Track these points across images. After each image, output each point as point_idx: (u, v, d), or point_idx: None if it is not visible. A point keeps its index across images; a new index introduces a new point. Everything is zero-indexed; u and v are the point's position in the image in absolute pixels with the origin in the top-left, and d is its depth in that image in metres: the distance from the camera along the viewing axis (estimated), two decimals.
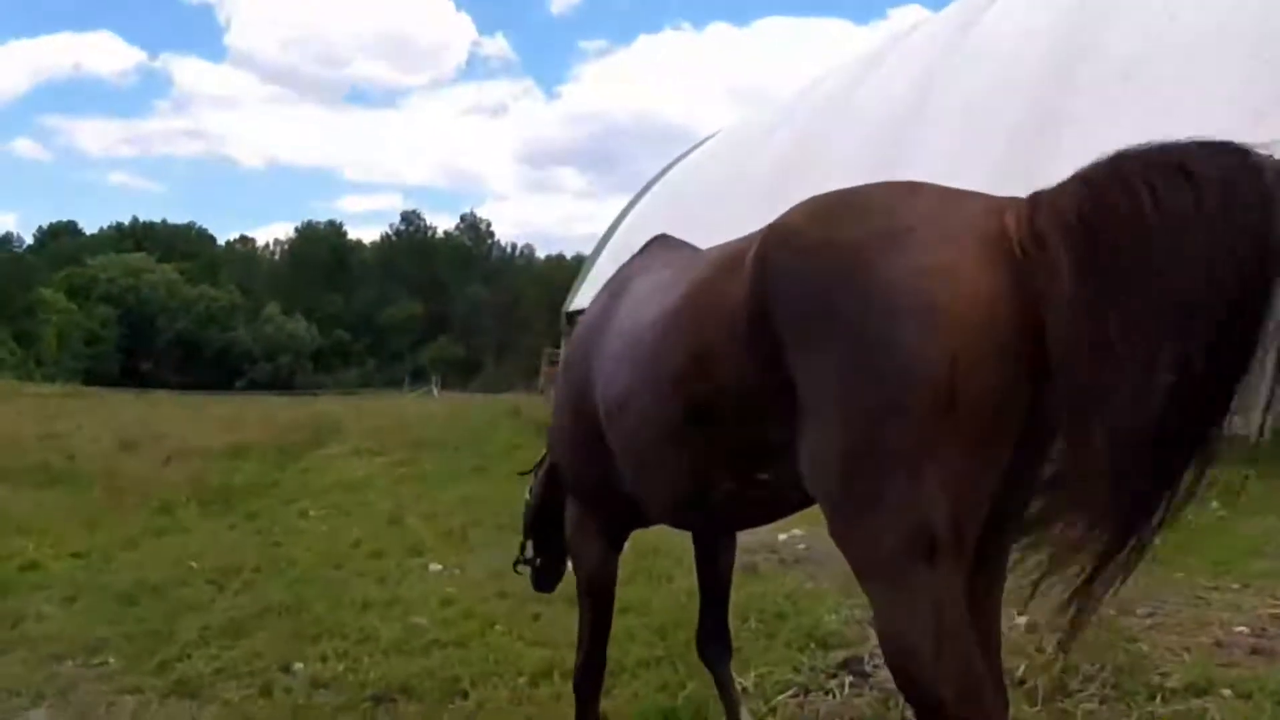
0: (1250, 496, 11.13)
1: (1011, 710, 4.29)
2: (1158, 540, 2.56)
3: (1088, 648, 5.87)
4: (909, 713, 4.90)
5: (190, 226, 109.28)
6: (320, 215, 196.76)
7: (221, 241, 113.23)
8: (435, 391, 59.81)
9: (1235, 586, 7.47)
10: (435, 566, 9.06)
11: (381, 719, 5.39)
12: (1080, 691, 5.23)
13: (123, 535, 11.15)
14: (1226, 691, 5.12)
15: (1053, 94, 19.98)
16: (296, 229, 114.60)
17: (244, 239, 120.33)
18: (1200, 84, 16.33)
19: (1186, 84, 16.64)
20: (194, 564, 9.52)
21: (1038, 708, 5.01)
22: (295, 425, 25.25)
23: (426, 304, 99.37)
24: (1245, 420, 9.82)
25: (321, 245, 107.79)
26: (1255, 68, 15.47)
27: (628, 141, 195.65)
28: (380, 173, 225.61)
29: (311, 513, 13.10)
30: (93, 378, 67.55)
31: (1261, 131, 11.37)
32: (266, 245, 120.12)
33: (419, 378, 70.49)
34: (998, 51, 22.62)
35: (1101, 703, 5.10)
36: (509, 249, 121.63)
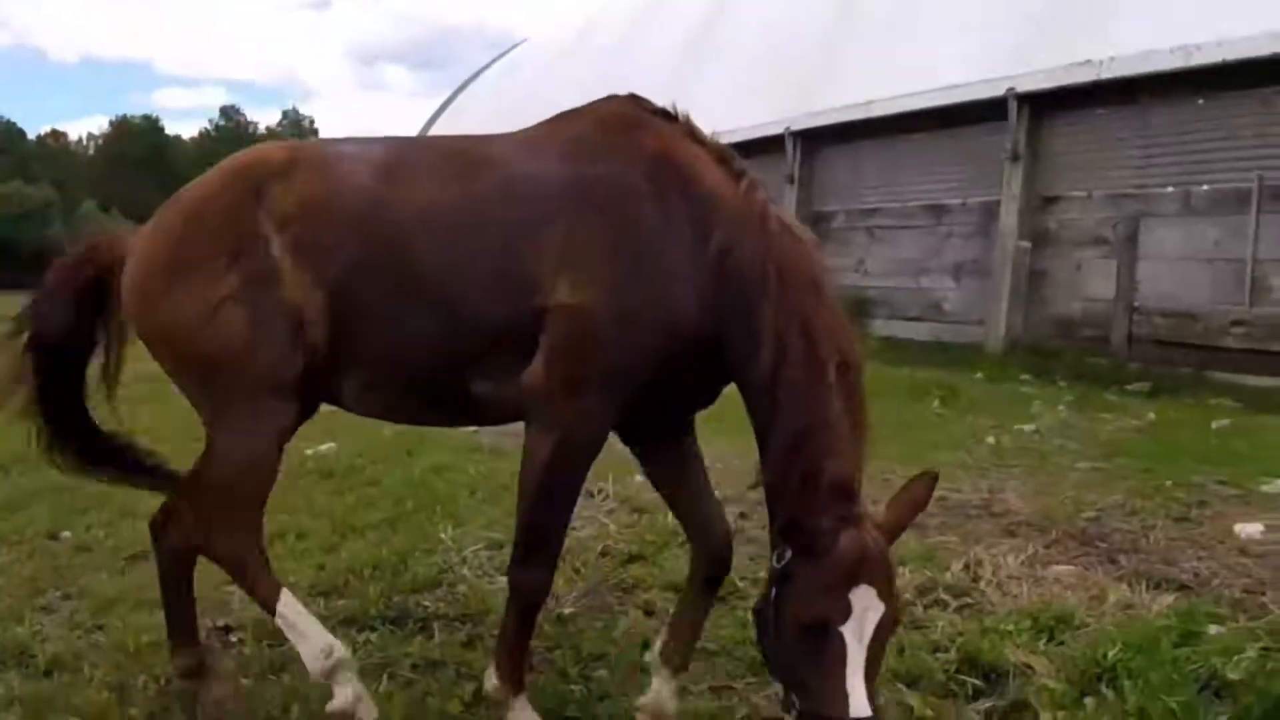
0: (971, 398, 12.37)
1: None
2: None
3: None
4: (580, 564, 5.81)
5: None
6: (137, 109, 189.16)
7: (32, 136, 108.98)
8: None
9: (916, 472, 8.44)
10: None
11: (131, 575, 6.05)
12: None
13: None
14: None
15: (835, 26, 21.41)
16: (111, 123, 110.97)
17: (56, 134, 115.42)
18: (966, 27, 17.88)
19: (952, 26, 18.16)
20: None
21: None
22: None
23: None
24: (984, 331, 11.32)
25: (138, 140, 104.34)
26: (1012, 15, 17.08)
27: (462, 42, 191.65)
28: (199, 67, 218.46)
29: (105, 404, 13.49)
30: None
31: (1016, 66, 12.85)
32: (80, 140, 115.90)
33: None
34: None
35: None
36: None
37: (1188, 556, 6.18)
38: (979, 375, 14.42)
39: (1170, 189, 14.77)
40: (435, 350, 3.87)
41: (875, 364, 16.08)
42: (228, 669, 4.68)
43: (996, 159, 16.92)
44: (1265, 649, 4.49)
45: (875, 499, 7.31)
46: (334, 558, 5.97)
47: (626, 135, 3.86)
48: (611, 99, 4.08)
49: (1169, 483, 7.92)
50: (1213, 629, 4.79)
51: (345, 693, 3.86)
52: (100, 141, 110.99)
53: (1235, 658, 4.37)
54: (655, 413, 4.05)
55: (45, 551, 6.62)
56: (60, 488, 8.14)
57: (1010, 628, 4.96)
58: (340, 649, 3.92)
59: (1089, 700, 4.18)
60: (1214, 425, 10.75)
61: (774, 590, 3.38)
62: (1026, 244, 16.44)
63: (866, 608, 3.18)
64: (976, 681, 4.49)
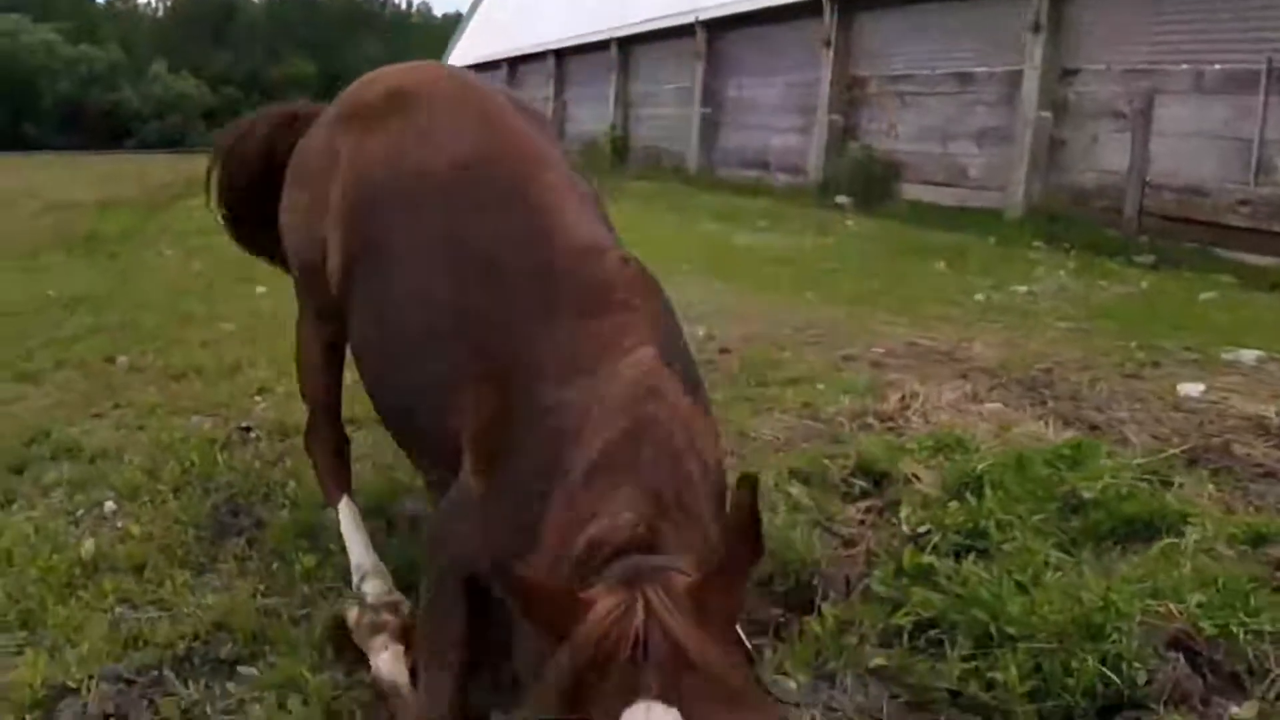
0: (980, 261, 12.91)
1: None
2: None
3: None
4: None
5: None
6: None
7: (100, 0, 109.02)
8: None
9: (904, 321, 9.03)
10: (261, 289, 10.10)
11: (173, 389, 6.96)
12: None
13: None
14: (820, 385, 6.73)
15: None
16: None
17: None
18: None
19: None
20: (51, 293, 11.00)
21: None
22: (169, 180, 26.35)
23: (319, 62, 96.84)
24: (1004, 198, 12.19)
25: (207, 2, 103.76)
26: None
27: None
28: None
29: (166, 252, 14.58)
30: None
31: None
32: (149, 3, 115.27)
33: None
34: None
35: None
36: (403, 5, 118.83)
37: (1119, 407, 6.34)
38: (993, 240, 14.88)
39: (1184, 66, 14.91)
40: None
41: (895, 225, 16.74)
42: (245, 459, 5.58)
43: (1021, 30, 17.17)
44: (1132, 478, 4.81)
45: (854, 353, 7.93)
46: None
47: None
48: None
49: (1134, 344, 8.09)
50: (1103, 462, 5.04)
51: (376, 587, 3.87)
52: (169, 3, 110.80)
53: (1096, 481, 4.72)
54: None
55: (102, 373, 7.53)
56: (120, 324, 9.13)
57: (914, 446, 5.41)
58: (368, 566, 3.96)
59: (953, 504, 4.59)
60: (1201, 297, 11.06)
61: None
62: (1047, 114, 16.74)
63: None
64: (865, 484, 5.04)
